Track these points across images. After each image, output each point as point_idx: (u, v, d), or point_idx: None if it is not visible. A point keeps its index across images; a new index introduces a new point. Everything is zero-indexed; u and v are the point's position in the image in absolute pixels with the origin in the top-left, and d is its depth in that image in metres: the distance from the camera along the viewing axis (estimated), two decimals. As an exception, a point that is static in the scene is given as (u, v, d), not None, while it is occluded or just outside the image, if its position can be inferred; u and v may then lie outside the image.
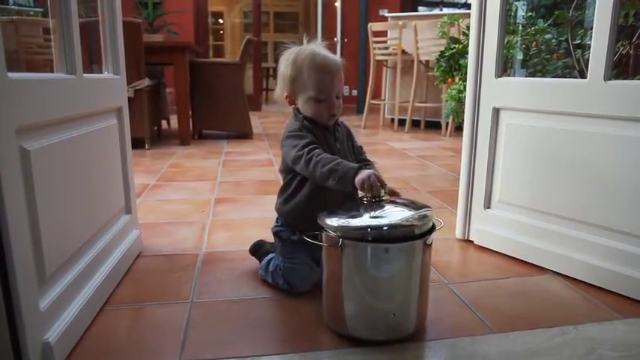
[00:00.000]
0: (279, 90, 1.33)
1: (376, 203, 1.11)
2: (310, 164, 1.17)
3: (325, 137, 1.28)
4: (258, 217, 1.43)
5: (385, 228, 1.05)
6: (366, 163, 1.34)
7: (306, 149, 1.19)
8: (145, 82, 3.52)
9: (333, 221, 1.07)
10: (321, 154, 1.18)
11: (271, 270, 1.35)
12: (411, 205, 1.15)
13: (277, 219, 1.38)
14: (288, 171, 1.31)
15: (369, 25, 5.03)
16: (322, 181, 1.16)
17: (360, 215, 1.11)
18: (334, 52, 6.33)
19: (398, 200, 1.17)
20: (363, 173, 1.10)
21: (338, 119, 1.32)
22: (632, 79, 1.95)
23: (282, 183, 1.35)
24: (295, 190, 1.30)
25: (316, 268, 1.29)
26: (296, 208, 1.30)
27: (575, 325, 1.15)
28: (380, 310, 1.07)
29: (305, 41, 1.30)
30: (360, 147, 1.41)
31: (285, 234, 1.33)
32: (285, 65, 1.29)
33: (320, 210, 1.13)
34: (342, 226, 1.05)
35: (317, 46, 1.29)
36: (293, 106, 1.32)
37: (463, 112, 1.75)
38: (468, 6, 6.88)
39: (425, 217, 1.08)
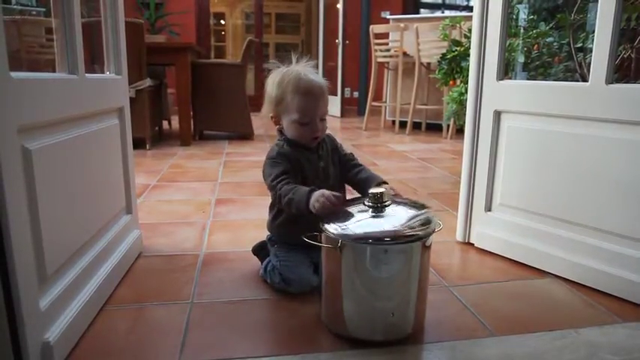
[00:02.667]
0: (265, 110, 1.34)
1: (377, 208, 1.11)
2: (279, 198, 1.22)
3: (306, 157, 1.30)
4: (259, 218, 1.43)
5: (387, 239, 1.05)
6: (358, 170, 1.36)
7: (276, 182, 1.23)
8: (147, 83, 3.52)
9: (332, 227, 1.07)
10: (284, 186, 1.21)
11: (269, 269, 1.36)
12: (412, 205, 1.15)
13: None
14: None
15: (371, 27, 5.04)
16: (289, 211, 1.21)
17: (360, 220, 1.11)
18: (338, 53, 6.31)
19: (398, 200, 1.17)
20: (314, 196, 1.12)
21: (321, 138, 1.32)
22: (634, 82, 1.95)
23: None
24: (280, 210, 1.35)
25: (312, 270, 1.30)
26: (283, 226, 1.35)
27: (575, 328, 1.15)
28: (379, 311, 1.07)
29: (294, 60, 1.31)
30: (350, 154, 1.41)
31: (277, 237, 1.39)
32: (271, 86, 1.31)
33: (306, 227, 1.12)
34: (342, 235, 1.05)
35: (303, 68, 1.29)
36: (278, 126, 1.34)
37: (464, 114, 1.75)
38: (469, 8, 6.90)
39: (427, 222, 1.08)
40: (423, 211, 1.13)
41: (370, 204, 1.11)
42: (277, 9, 9.76)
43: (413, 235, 1.05)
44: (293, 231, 1.28)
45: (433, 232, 1.08)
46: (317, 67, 1.35)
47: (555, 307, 1.27)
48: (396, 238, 1.05)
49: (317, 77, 1.29)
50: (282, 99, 1.28)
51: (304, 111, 1.25)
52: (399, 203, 1.15)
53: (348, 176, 1.36)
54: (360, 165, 1.38)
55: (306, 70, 1.29)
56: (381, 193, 1.10)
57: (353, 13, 6.78)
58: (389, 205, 1.11)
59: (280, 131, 1.34)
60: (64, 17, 1.11)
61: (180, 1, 6.48)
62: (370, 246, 1.03)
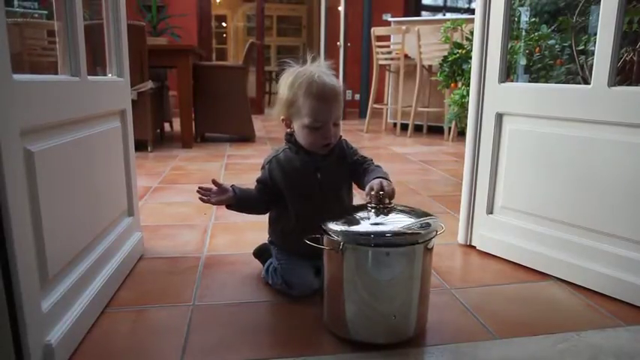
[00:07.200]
0: (277, 111, 1.30)
1: (380, 210, 1.11)
2: None
3: (303, 169, 1.27)
4: (260, 221, 1.43)
5: (388, 235, 1.05)
6: (364, 171, 1.28)
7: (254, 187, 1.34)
8: (149, 85, 3.53)
9: (335, 226, 1.07)
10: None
11: (271, 271, 1.36)
12: (413, 212, 1.15)
13: None
14: None
15: (372, 29, 5.04)
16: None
17: (362, 221, 1.11)
18: (339, 56, 6.32)
19: (400, 207, 1.17)
20: None
21: (334, 144, 1.27)
22: (636, 85, 1.95)
23: None
24: (275, 220, 1.37)
25: (314, 272, 1.30)
26: (281, 235, 1.36)
27: (578, 332, 1.15)
28: (380, 313, 1.07)
29: (309, 59, 1.25)
30: (360, 158, 1.31)
31: (277, 243, 1.38)
32: (282, 87, 1.25)
33: (300, 240, 1.12)
34: (344, 231, 1.05)
35: (317, 69, 1.22)
36: (288, 129, 1.29)
37: (466, 117, 1.75)
38: (471, 11, 6.90)
39: (428, 224, 1.08)
40: (425, 218, 1.12)
41: (372, 207, 1.12)
42: (279, 12, 9.79)
43: (414, 233, 1.05)
44: (291, 241, 1.30)
45: (436, 234, 1.08)
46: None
47: (557, 310, 1.27)
48: (397, 235, 1.05)
49: (331, 79, 1.22)
50: (294, 102, 1.22)
51: (316, 115, 1.19)
52: (401, 210, 1.15)
53: (360, 184, 1.28)
54: (369, 166, 1.28)
55: (320, 71, 1.22)
56: (382, 195, 1.11)
57: (354, 16, 6.79)
58: (391, 210, 1.12)
59: (287, 137, 1.30)
60: (67, 20, 1.11)
61: (181, 4, 6.49)
62: (372, 249, 1.03)
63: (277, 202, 1.31)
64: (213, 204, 1.26)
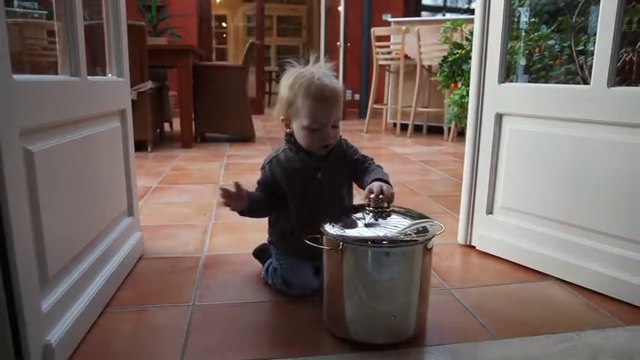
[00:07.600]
0: (277, 111, 1.30)
1: (378, 213, 1.12)
2: None
3: (303, 169, 1.27)
4: (260, 221, 1.43)
5: (385, 242, 1.05)
6: (365, 172, 1.28)
7: (254, 189, 1.32)
8: (148, 85, 3.53)
9: (332, 230, 1.08)
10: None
11: (270, 271, 1.36)
12: (411, 215, 1.16)
13: None
14: None
15: (372, 29, 5.04)
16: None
17: (360, 225, 1.11)
18: (339, 56, 6.33)
19: (398, 209, 1.17)
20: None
21: (333, 146, 1.26)
22: (636, 85, 1.95)
23: None
24: (276, 221, 1.37)
25: (313, 272, 1.30)
26: (281, 236, 1.35)
27: (577, 331, 1.15)
28: (380, 313, 1.07)
29: (312, 60, 1.25)
30: (360, 157, 1.32)
31: (277, 244, 1.38)
32: (283, 88, 1.24)
33: (300, 240, 1.12)
34: (342, 236, 1.06)
35: (318, 70, 1.22)
36: (287, 130, 1.29)
37: (466, 117, 1.75)
38: (470, 11, 6.90)
39: (425, 230, 1.08)
40: (421, 220, 1.12)
41: (371, 210, 1.12)
42: (279, 12, 9.79)
43: (409, 240, 1.05)
44: (291, 241, 1.30)
45: (434, 235, 1.08)
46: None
47: (557, 310, 1.27)
48: (393, 242, 1.05)
49: (331, 81, 1.21)
50: (293, 102, 1.21)
51: (315, 117, 1.19)
52: (399, 213, 1.15)
53: (360, 184, 1.28)
54: (370, 165, 1.29)
55: (321, 72, 1.22)
56: (381, 200, 1.12)
57: (354, 16, 6.79)
58: (389, 213, 1.12)
59: (286, 137, 1.30)
60: (67, 20, 1.11)
61: (182, 4, 6.49)
62: (371, 249, 1.03)
63: (278, 202, 1.31)
64: (233, 210, 1.23)
